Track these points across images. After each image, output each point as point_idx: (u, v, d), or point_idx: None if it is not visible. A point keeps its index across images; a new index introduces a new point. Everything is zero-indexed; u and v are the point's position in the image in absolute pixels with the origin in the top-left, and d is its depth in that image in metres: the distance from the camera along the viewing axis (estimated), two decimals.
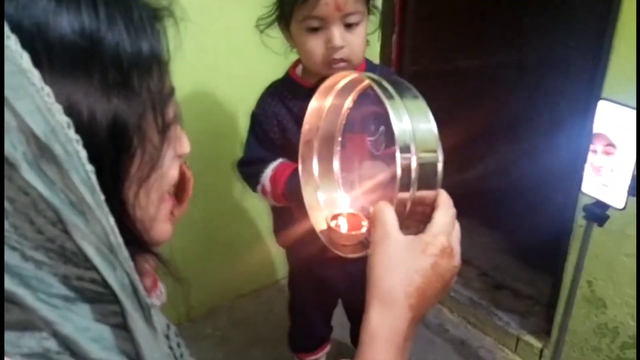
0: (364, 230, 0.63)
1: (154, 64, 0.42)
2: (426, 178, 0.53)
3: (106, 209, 0.38)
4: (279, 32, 1.17)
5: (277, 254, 2.24)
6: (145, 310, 0.41)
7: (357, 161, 0.70)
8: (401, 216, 0.54)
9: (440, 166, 0.54)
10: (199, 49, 1.69)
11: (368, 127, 1.07)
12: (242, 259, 2.09)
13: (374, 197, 0.63)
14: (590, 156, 1.24)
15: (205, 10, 1.67)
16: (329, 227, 0.66)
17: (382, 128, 0.95)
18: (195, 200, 1.95)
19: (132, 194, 0.42)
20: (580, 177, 1.28)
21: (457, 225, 0.57)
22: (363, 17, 1.08)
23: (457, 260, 0.55)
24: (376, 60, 2.21)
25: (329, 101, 0.68)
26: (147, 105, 0.41)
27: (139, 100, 0.40)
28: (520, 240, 2.44)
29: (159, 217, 0.47)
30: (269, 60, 1.25)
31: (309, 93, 1.11)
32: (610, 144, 1.20)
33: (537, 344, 1.89)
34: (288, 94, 1.20)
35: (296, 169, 1.13)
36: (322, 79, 1.10)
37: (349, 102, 0.68)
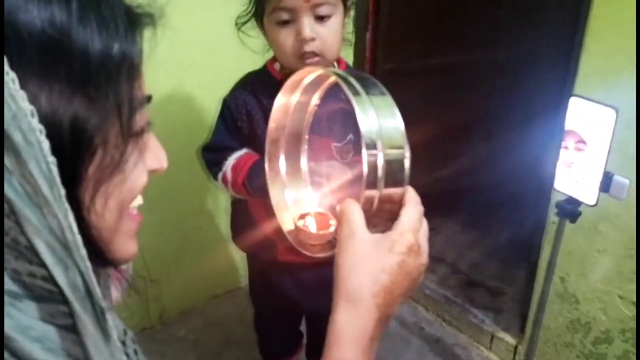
0: (332, 229, 0.63)
1: (125, 67, 0.41)
2: (393, 175, 0.53)
3: (65, 204, 0.36)
4: (258, 31, 1.15)
5: None
6: (98, 314, 0.39)
7: (324, 159, 0.70)
8: (368, 214, 0.54)
9: (407, 163, 0.53)
10: (173, 47, 1.64)
11: (335, 132, 1.05)
12: (216, 260, 2.06)
13: (342, 195, 0.62)
14: (562, 153, 1.25)
15: (182, 7, 1.63)
16: (297, 227, 0.64)
17: (350, 136, 0.94)
18: (169, 201, 1.93)
19: (88, 197, 0.40)
20: (553, 175, 1.29)
21: (424, 223, 0.56)
22: (336, 9, 1.05)
23: (424, 257, 0.55)
24: (350, 58, 2.20)
25: (295, 98, 0.67)
26: (112, 109, 0.40)
27: (104, 101, 0.39)
28: (495, 237, 2.46)
29: (121, 230, 0.45)
30: (245, 59, 1.23)
31: None
32: (582, 141, 1.21)
33: (512, 340, 1.91)
34: (261, 86, 1.17)
35: (260, 159, 1.10)
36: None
37: (315, 99, 0.67)
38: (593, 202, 1.23)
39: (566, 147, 1.24)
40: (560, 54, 1.81)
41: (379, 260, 0.52)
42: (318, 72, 0.62)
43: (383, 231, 0.54)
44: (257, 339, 1.60)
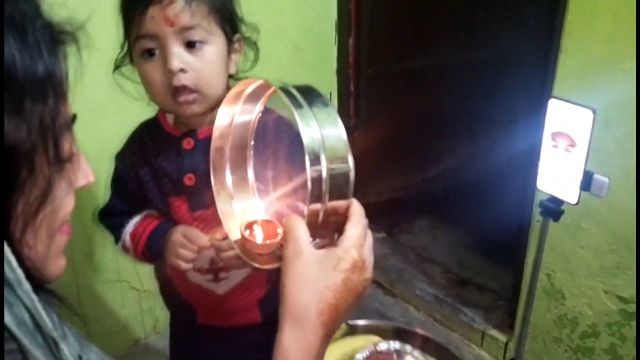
0: (279, 238, 0.62)
1: (50, 89, 0.40)
2: (338, 188, 0.53)
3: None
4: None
5: None
6: (51, 346, 0.39)
7: (270, 167, 0.70)
8: (314, 227, 0.54)
9: (351, 175, 0.54)
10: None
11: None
12: None
13: (289, 201, 0.63)
14: (543, 153, 1.28)
15: None
16: (243, 237, 0.63)
17: None
18: None
19: (19, 232, 0.40)
20: (536, 174, 1.32)
21: (369, 236, 0.57)
22: (211, 36, 0.90)
23: (368, 272, 0.55)
24: (333, 64, 2.22)
25: (238, 108, 0.67)
26: (39, 134, 0.39)
27: (30, 126, 0.38)
28: (483, 235, 2.49)
29: (51, 254, 0.44)
30: None
31: (176, 143, 1.00)
32: (562, 141, 1.24)
33: (502, 337, 1.93)
34: (152, 144, 1.04)
35: (159, 225, 1.03)
36: (191, 129, 0.99)
37: (259, 107, 0.67)
38: (575, 201, 1.26)
39: (547, 147, 1.27)
40: (540, 54, 1.85)
41: (323, 278, 0.52)
42: (259, 82, 0.61)
43: (329, 243, 0.55)
44: None
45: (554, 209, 1.32)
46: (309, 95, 0.55)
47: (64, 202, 0.44)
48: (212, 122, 0.99)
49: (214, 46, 0.91)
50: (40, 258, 0.43)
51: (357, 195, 0.56)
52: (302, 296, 0.52)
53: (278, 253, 0.61)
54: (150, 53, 0.89)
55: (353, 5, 2.13)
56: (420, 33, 2.38)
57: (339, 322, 0.53)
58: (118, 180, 1.10)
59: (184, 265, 1.00)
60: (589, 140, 1.18)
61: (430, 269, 2.35)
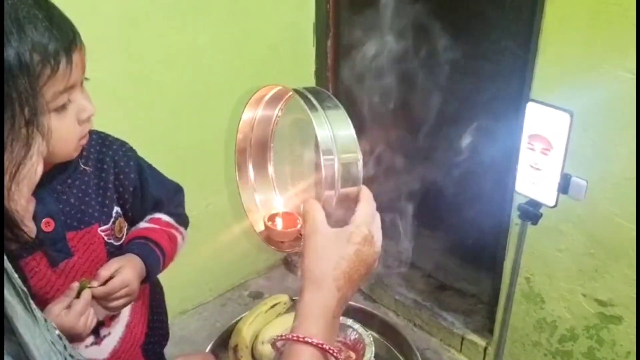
0: (298, 227, 0.71)
1: (21, 66, 0.46)
2: (348, 176, 0.61)
3: None
4: None
5: (218, 269, 2.19)
6: (22, 297, 0.43)
7: (289, 165, 0.79)
8: (329, 211, 0.61)
9: (360, 165, 0.61)
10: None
11: (96, 215, 0.88)
12: (182, 275, 2.02)
13: (306, 196, 0.70)
14: (521, 156, 1.27)
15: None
16: (266, 227, 0.73)
17: (116, 210, 0.90)
18: None
19: (6, 188, 0.46)
20: (515, 177, 1.31)
21: (377, 216, 0.64)
22: None
23: (378, 246, 0.62)
24: (312, 66, 2.20)
25: (259, 112, 0.74)
26: (17, 104, 0.45)
27: (10, 101, 0.45)
28: (462, 239, 2.48)
29: (27, 214, 0.53)
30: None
31: None
32: (540, 144, 1.23)
33: (481, 342, 1.92)
34: None
35: None
36: None
37: (277, 111, 0.75)
38: (552, 204, 1.25)
39: (525, 150, 1.26)
40: (518, 57, 1.85)
41: (338, 250, 0.59)
42: (277, 88, 0.69)
43: (342, 225, 0.61)
44: None
45: (532, 212, 1.31)
46: (321, 97, 0.64)
47: (39, 162, 0.50)
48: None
49: None
50: (22, 211, 0.49)
51: None
52: (320, 265, 0.59)
53: (298, 245, 0.68)
54: (62, 107, 0.70)
55: (331, 7, 2.11)
56: None
57: (352, 289, 0.60)
58: None
59: (89, 326, 0.84)
60: (567, 143, 1.17)
61: (409, 273, 2.33)
